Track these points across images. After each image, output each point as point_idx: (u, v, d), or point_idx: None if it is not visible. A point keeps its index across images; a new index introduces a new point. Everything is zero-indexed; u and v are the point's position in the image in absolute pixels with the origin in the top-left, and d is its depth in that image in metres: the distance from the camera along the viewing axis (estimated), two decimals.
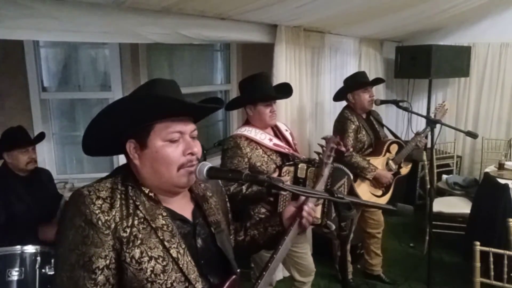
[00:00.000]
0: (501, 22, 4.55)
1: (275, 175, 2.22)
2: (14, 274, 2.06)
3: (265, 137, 2.27)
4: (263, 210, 2.28)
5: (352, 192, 2.91)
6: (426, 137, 3.02)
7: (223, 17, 2.64)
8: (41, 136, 2.62)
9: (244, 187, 2.15)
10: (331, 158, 1.93)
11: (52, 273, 2.12)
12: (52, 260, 2.14)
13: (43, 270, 2.12)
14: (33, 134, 2.97)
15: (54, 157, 3.26)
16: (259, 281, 1.20)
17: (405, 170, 3.15)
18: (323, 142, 2.11)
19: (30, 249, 2.12)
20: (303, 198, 1.37)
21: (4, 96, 2.92)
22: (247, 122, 2.37)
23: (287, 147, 2.34)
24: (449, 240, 3.65)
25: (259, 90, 2.29)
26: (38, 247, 2.15)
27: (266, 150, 2.25)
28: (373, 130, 3.10)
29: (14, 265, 2.07)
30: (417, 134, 3.04)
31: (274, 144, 2.28)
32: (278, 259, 1.26)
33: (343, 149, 2.12)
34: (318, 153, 2.11)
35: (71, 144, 3.34)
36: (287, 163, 2.23)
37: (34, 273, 2.10)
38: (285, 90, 2.49)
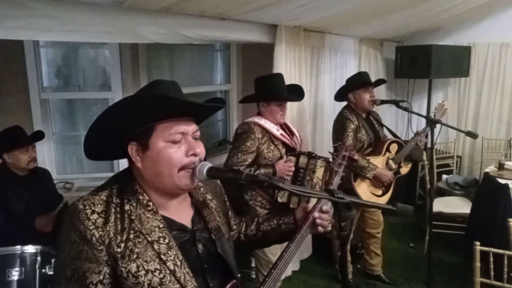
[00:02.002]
0: (501, 22, 4.55)
1: (282, 161, 2.40)
2: (14, 274, 2.06)
3: (273, 127, 2.47)
4: (259, 198, 2.44)
5: (351, 191, 2.91)
6: (426, 137, 3.02)
7: (223, 17, 2.64)
8: (40, 134, 2.62)
9: (252, 169, 2.34)
10: (343, 166, 1.92)
11: (52, 273, 2.12)
12: (52, 260, 2.15)
13: (43, 270, 2.12)
14: None
15: (54, 157, 3.26)
16: (267, 279, 1.20)
17: (405, 169, 3.15)
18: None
19: (30, 249, 2.12)
20: (310, 206, 1.36)
21: (4, 96, 2.92)
22: (258, 114, 2.54)
23: (290, 139, 2.53)
24: (449, 240, 3.65)
25: (274, 90, 2.48)
26: (38, 247, 2.15)
27: (274, 139, 2.45)
28: (373, 130, 3.10)
29: (14, 265, 2.07)
30: (417, 133, 3.04)
31: (281, 134, 2.48)
32: (282, 266, 1.25)
33: (356, 157, 2.15)
34: (328, 161, 2.15)
35: (71, 144, 3.34)
36: (290, 153, 2.43)
37: (34, 273, 2.10)
38: (297, 92, 2.66)
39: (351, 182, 2.93)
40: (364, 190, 2.97)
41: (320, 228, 1.33)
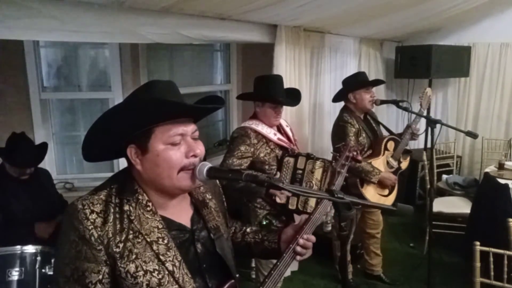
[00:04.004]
0: (501, 22, 4.55)
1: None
2: (14, 274, 2.06)
3: (270, 131, 2.45)
4: (259, 199, 2.41)
5: (360, 196, 2.88)
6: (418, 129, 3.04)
7: (223, 17, 2.64)
8: (38, 160, 2.58)
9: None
10: (346, 167, 1.90)
11: (52, 273, 2.12)
12: (52, 260, 2.15)
13: (43, 270, 2.12)
14: (33, 134, 2.98)
15: (54, 157, 3.25)
16: (267, 280, 1.22)
17: (405, 164, 3.15)
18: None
19: (30, 249, 2.12)
20: (302, 221, 1.36)
21: (4, 96, 2.91)
22: (254, 116, 2.51)
23: (288, 142, 2.51)
24: (449, 240, 3.65)
25: (271, 92, 2.44)
26: (38, 247, 2.15)
27: (270, 144, 2.42)
28: (372, 131, 3.10)
29: (14, 265, 2.07)
30: (408, 126, 3.05)
31: (278, 139, 2.45)
32: (281, 267, 1.26)
33: (360, 158, 2.14)
34: (331, 161, 2.14)
35: (71, 144, 3.34)
36: (288, 154, 2.40)
37: (34, 273, 2.10)
38: (294, 97, 2.62)
39: (359, 188, 2.91)
40: (372, 194, 2.96)
41: (298, 257, 1.30)
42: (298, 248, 1.29)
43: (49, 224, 2.45)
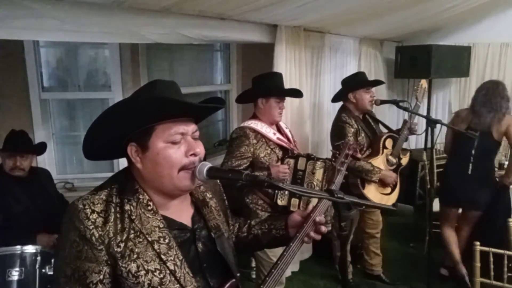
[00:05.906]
0: (501, 22, 4.55)
1: (278, 163, 2.37)
2: (14, 274, 2.06)
3: (270, 131, 2.43)
4: (260, 201, 2.40)
5: (362, 197, 2.87)
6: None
7: (223, 17, 2.64)
8: (27, 146, 2.54)
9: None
10: (345, 165, 1.91)
11: (52, 273, 2.12)
12: (52, 260, 2.15)
13: (43, 270, 2.12)
14: (33, 134, 2.98)
15: (54, 157, 3.26)
16: (267, 278, 1.22)
17: (405, 160, 3.14)
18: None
19: (30, 249, 2.12)
20: (309, 208, 1.36)
21: (4, 96, 2.92)
22: (254, 116, 2.50)
23: (288, 142, 2.50)
24: None
25: (275, 86, 2.47)
26: (38, 247, 2.15)
27: (270, 143, 2.41)
28: (371, 130, 3.10)
29: (14, 265, 2.07)
30: (405, 121, 3.05)
31: (278, 138, 2.44)
32: (282, 266, 1.26)
33: (359, 155, 2.14)
34: (331, 160, 2.14)
35: (71, 144, 3.34)
36: (288, 156, 2.39)
37: (34, 273, 2.10)
38: (296, 93, 2.66)
39: (360, 188, 2.90)
40: (374, 193, 2.95)
41: (306, 239, 1.30)
42: (313, 235, 1.29)
43: (49, 235, 2.43)
